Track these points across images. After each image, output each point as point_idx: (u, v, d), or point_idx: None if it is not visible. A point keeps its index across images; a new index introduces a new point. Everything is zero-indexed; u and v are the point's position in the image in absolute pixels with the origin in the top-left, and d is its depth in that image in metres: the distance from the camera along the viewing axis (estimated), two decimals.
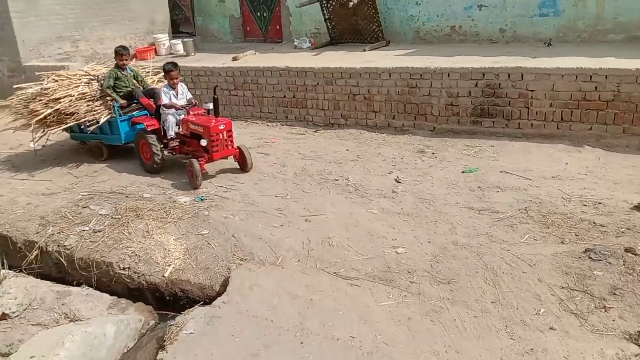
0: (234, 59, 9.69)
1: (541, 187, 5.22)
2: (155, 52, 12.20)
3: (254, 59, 9.74)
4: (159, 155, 6.20)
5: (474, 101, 6.85)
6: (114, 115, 6.57)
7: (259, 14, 12.47)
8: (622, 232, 4.23)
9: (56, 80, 6.82)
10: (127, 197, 5.70)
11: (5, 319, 3.69)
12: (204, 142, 5.81)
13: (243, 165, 6.16)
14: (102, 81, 6.74)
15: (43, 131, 6.80)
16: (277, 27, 12.20)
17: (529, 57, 7.19)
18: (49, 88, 6.65)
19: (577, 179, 5.39)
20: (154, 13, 12.82)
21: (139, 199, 5.62)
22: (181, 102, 6.29)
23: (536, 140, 6.50)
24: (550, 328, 3.24)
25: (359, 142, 7.09)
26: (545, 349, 3.08)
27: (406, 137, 7.09)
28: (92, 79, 6.86)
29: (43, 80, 6.87)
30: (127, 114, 6.65)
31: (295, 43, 11.12)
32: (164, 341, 3.51)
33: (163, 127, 6.29)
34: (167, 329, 3.66)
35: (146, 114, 6.66)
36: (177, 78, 6.26)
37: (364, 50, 9.20)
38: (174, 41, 12.11)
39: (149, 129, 6.24)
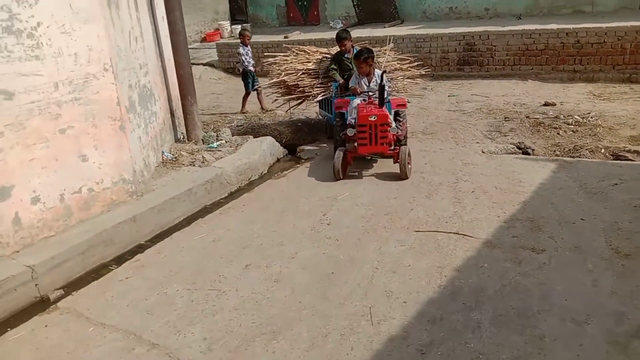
0: (285, 37, 13.65)
1: (493, 100, 9.05)
2: (220, 35, 16.21)
3: (299, 37, 13.71)
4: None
5: (458, 55, 10.73)
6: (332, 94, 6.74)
7: (299, 3, 16.41)
8: (530, 113, 8.05)
9: (296, 54, 7.41)
10: None
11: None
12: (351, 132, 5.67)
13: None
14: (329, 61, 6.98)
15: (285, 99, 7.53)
16: (315, 13, 16.15)
17: (500, 26, 11.03)
18: (287, 60, 7.28)
19: (516, 95, 9.22)
20: (217, 4, 16.84)
21: None
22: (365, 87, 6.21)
23: (498, 78, 10.37)
24: (477, 143, 7.06)
25: None
26: (470, 154, 6.90)
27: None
28: (325, 57, 7.22)
29: (288, 52, 7.52)
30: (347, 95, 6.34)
31: (330, 24, 15.06)
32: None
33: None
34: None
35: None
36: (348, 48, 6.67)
37: (385, 27, 13.10)
38: (234, 26, 16.10)
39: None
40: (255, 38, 14.33)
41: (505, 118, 7.84)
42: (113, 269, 4.24)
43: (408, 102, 6.82)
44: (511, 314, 3.24)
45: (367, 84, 6.20)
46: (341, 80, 6.59)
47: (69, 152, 4.41)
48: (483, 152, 6.51)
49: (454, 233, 4.33)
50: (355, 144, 5.70)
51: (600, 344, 2.93)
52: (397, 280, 3.70)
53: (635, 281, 3.50)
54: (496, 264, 3.82)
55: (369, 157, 6.02)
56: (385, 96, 5.89)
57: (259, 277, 3.88)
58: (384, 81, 5.82)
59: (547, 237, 4.16)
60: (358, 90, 6.15)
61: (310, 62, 7.27)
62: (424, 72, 7.82)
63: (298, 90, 7.09)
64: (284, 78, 7.11)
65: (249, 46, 9.45)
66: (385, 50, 7.60)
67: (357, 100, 5.99)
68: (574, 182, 5.23)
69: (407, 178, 5.55)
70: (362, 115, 5.59)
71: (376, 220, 4.67)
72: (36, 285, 3.88)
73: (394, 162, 5.77)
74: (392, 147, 5.77)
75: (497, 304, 3.35)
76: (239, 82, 10.56)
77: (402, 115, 6.27)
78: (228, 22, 16.28)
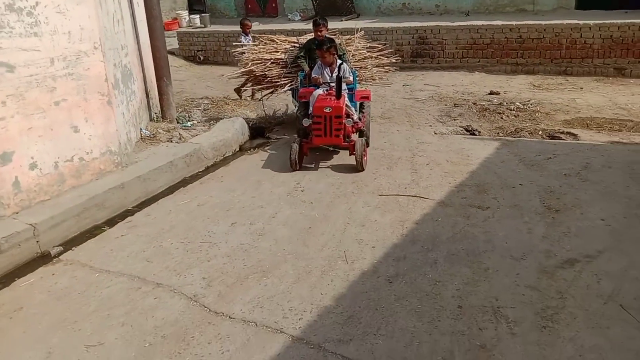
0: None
1: (444, 89, 9.85)
2: (178, 24, 16.42)
3: (258, 27, 14.15)
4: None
5: (412, 48, 11.50)
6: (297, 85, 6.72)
7: None
8: (477, 100, 8.87)
9: (265, 44, 7.39)
10: None
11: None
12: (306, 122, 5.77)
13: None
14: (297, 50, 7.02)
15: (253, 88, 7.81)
16: (273, 5, 16.63)
17: (450, 22, 11.88)
18: (255, 50, 7.29)
19: (465, 85, 10.06)
20: None
21: None
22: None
23: (448, 70, 11.20)
24: (430, 126, 7.79)
25: None
26: (424, 135, 7.62)
27: None
28: (294, 46, 7.23)
29: (256, 42, 7.56)
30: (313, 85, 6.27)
31: (288, 17, 15.58)
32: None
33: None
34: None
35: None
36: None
37: (342, 20, 13.74)
38: (193, 16, 16.35)
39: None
40: (215, 27, 14.70)
41: (454, 105, 8.63)
42: (106, 230, 4.67)
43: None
44: (461, 254, 3.92)
45: (330, 75, 6.20)
46: (307, 70, 6.56)
47: (63, 123, 4.80)
48: (435, 133, 7.25)
49: (412, 196, 5.00)
50: (311, 135, 5.80)
51: (532, 273, 3.64)
52: (366, 232, 4.32)
53: (562, 229, 4.25)
54: (448, 218, 4.51)
55: (330, 148, 6.03)
56: (344, 88, 5.94)
57: (244, 232, 4.42)
58: (342, 72, 5.86)
59: (491, 197, 4.89)
60: (320, 80, 6.18)
61: (278, 51, 7.26)
62: (394, 60, 7.95)
63: (266, 80, 7.06)
64: (252, 68, 7.10)
65: (250, 35, 9.32)
66: (354, 38, 7.75)
67: (319, 91, 5.96)
68: (515, 157, 6.02)
69: (363, 170, 5.61)
70: (317, 106, 5.66)
71: (345, 187, 5.29)
72: (37, 242, 4.28)
73: (350, 155, 5.77)
74: (349, 139, 5.82)
75: (449, 246, 4.03)
76: (200, 70, 10.92)
77: (365, 107, 6.42)
78: (186, 11, 16.53)
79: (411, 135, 7.12)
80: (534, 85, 9.87)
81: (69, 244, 4.41)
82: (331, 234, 4.31)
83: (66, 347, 3.09)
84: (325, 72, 6.30)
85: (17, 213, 4.45)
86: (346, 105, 5.93)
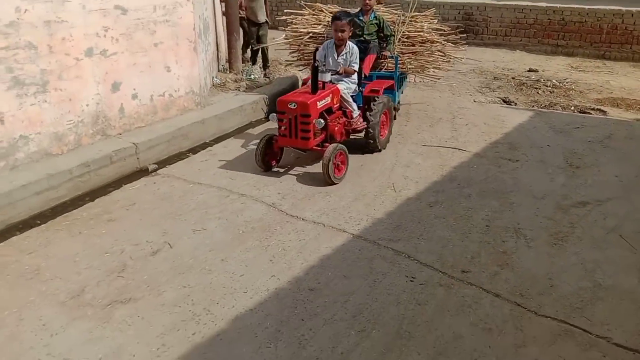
0: None
1: (485, 64, 10.49)
2: None
3: None
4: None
5: (457, 23, 12.09)
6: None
7: None
8: (515, 75, 9.51)
9: (313, 14, 6.73)
10: None
11: None
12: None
13: None
14: None
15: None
16: None
17: (496, 0, 12.40)
18: (298, 23, 6.70)
19: (505, 62, 10.68)
20: None
21: None
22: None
23: (490, 47, 11.81)
24: (470, 95, 8.49)
25: None
26: (464, 102, 8.33)
27: None
28: None
29: (303, 10, 6.84)
30: None
31: None
32: None
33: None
34: None
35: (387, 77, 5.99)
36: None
37: None
38: None
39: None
40: None
41: (494, 78, 9.31)
42: (190, 155, 5.60)
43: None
44: (491, 191, 4.73)
45: (336, 58, 5.27)
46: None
47: (159, 63, 5.70)
48: (475, 101, 7.98)
49: (452, 147, 5.79)
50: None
51: (550, 208, 4.43)
52: (410, 171, 5.16)
53: (580, 181, 5.01)
54: (482, 166, 5.30)
55: (305, 152, 5.26)
56: (328, 80, 5.02)
57: None
58: (317, 62, 4.99)
59: (520, 153, 5.66)
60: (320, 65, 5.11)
61: (320, 24, 6.50)
62: (461, 48, 7.09)
63: (305, 55, 6.58)
64: (289, 41, 6.70)
65: None
66: (416, 16, 6.60)
67: (327, 76, 5.03)
68: (546, 125, 6.73)
69: (332, 183, 4.71)
70: (281, 99, 4.76)
71: (392, 137, 6.09)
72: (137, 158, 5.22)
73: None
74: (322, 143, 4.93)
75: (481, 185, 4.84)
76: None
77: (376, 103, 5.32)
78: None
79: (452, 102, 7.86)
80: (572, 67, 10.43)
81: (162, 163, 5.34)
82: (380, 171, 5.15)
83: (177, 230, 4.03)
84: (330, 54, 5.31)
85: (120, 134, 5.40)
86: (342, 98, 5.17)
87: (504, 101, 8.06)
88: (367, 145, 5.45)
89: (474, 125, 6.62)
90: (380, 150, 5.54)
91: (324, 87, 4.93)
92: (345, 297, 3.21)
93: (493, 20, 11.73)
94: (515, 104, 7.96)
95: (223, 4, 8.11)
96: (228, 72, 7.84)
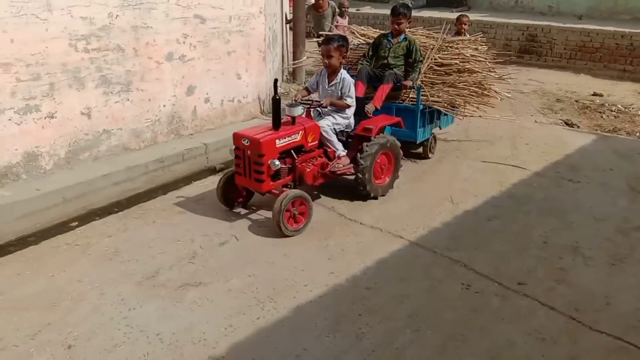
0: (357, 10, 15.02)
1: (547, 86, 10.39)
2: None
3: (369, 11, 15.10)
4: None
5: (520, 44, 12.05)
6: None
7: None
8: (579, 98, 9.39)
9: (353, 32, 6.26)
10: None
11: None
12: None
13: None
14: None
15: None
16: None
17: (562, 23, 12.28)
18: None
19: (569, 85, 10.54)
20: None
21: None
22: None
23: (553, 69, 11.67)
24: (531, 115, 8.45)
25: None
26: (525, 122, 8.29)
27: None
28: (367, 43, 5.85)
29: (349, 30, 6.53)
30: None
31: (400, 2, 16.38)
32: None
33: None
34: None
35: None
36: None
37: (452, 12, 14.40)
38: None
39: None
40: None
41: (557, 100, 9.22)
42: None
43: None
44: (550, 210, 4.75)
45: (326, 87, 4.70)
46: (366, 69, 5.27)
47: (231, 70, 6.04)
48: (536, 122, 7.94)
49: (511, 165, 5.83)
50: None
51: (610, 230, 4.41)
52: (469, 185, 5.24)
53: None
54: (542, 185, 5.32)
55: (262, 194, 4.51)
56: (299, 114, 4.38)
57: None
58: (278, 94, 4.34)
59: (582, 175, 5.63)
60: (298, 96, 4.70)
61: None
62: (503, 81, 6.32)
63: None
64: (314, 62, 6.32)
65: (346, 16, 9.87)
66: (458, 40, 6.02)
67: (298, 110, 4.34)
68: (609, 149, 6.64)
69: (284, 234, 4.03)
70: (236, 133, 4.24)
71: (450, 152, 6.19)
72: (207, 157, 5.54)
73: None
74: (279, 187, 4.27)
75: (540, 204, 4.87)
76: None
77: (369, 145, 4.57)
78: None
79: (513, 121, 7.85)
80: (639, 93, 10.17)
81: (228, 164, 5.63)
82: (438, 184, 5.26)
83: (243, 224, 4.29)
84: (322, 81, 4.76)
85: (192, 135, 5.75)
86: (324, 133, 4.50)
87: (566, 123, 7.98)
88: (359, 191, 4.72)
89: (535, 145, 6.61)
90: (375, 198, 4.77)
91: (293, 123, 4.33)
92: (401, 299, 3.34)
93: (557, 42, 11.60)
94: (578, 126, 7.87)
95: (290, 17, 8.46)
96: (291, 82, 8.13)
